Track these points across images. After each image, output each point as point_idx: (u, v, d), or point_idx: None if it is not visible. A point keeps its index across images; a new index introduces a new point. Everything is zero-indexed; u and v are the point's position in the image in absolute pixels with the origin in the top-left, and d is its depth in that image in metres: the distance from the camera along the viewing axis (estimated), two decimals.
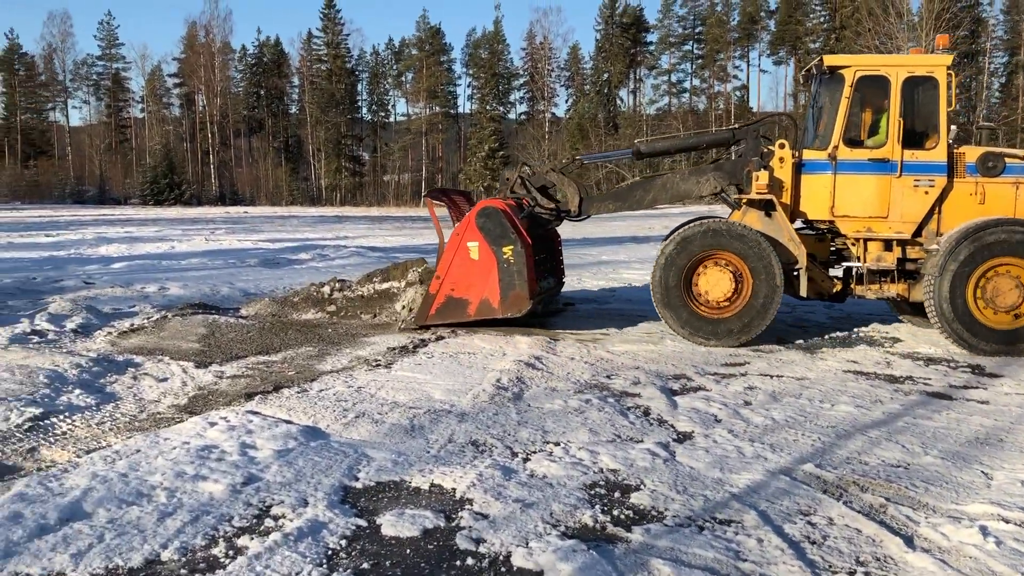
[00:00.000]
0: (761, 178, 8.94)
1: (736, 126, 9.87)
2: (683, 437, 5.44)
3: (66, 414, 5.63)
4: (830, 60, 9.19)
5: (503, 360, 7.66)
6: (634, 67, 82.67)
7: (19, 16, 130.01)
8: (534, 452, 5.09)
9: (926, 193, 8.81)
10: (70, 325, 8.42)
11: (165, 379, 6.79)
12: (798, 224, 9.42)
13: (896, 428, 5.68)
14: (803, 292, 8.94)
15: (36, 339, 7.84)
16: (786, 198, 9.11)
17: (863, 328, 9.80)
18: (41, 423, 5.41)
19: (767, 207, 9.02)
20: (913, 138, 8.92)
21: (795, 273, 8.97)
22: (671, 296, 8.80)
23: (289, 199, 74.43)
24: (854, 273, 9.19)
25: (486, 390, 6.52)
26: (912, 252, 9.07)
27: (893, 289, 9.08)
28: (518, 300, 8.79)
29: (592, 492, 4.44)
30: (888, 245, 9.07)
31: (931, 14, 41.05)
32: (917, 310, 9.36)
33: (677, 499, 4.34)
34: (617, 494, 4.42)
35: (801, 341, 9.00)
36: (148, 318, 9.01)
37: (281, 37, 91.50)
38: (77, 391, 6.19)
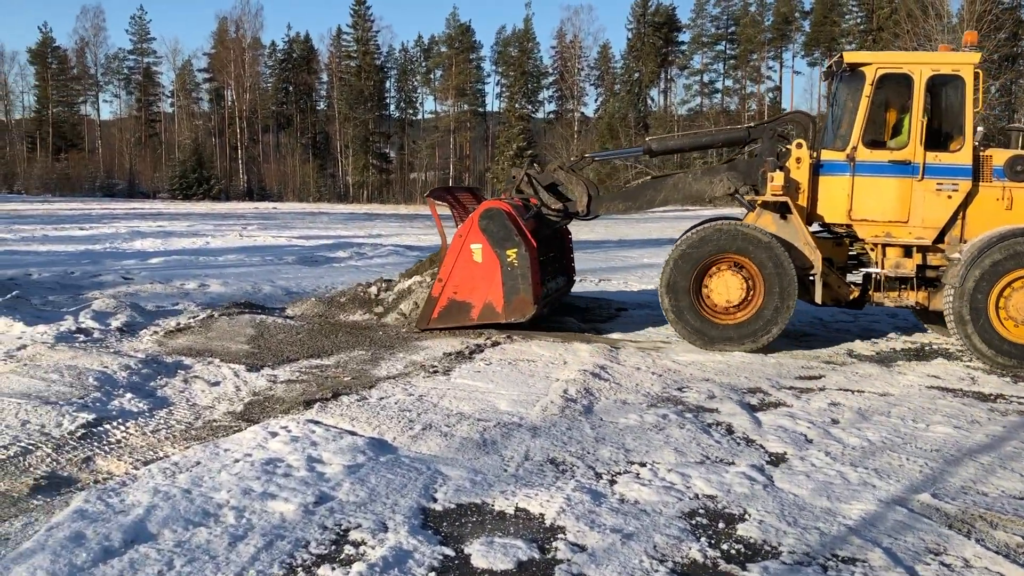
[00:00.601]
0: (776, 179, 8.53)
1: (752, 124, 9.49)
2: (777, 459, 5.06)
3: (119, 420, 5.33)
4: (851, 57, 8.74)
5: (565, 369, 7.31)
6: (666, 67, 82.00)
7: (53, 10, 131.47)
8: (619, 473, 4.73)
9: (949, 197, 8.37)
10: (115, 323, 8.16)
11: (217, 383, 6.49)
12: (815, 228, 9.03)
13: (1006, 454, 5.25)
14: (818, 298, 8.55)
15: (82, 338, 7.58)
16: (802, 200, 8.72)
17: (935, 340, 9.33)
18: (95, 430, 5.12)
19: (782, 209, 8.64)
20: (937, 139, 8.52)
21: (810, 278, 8.57)
22: (680, 299, 8.47)
23: (316, 195, 74.53)
24: (872, 279, 8.78)
25: (554, 402, 6.17)
26: (933, 259, 8.64)
27: (912, 297, 8.67)
28: (522, 305, 8.51)
29: (693, 522, 4.07)
30: (908, 251, 8.65)
31: (972, 16, 40.15)
32: (939, 319, 8.90)
33: (789, 532, 3.96)
34: (721, 524, 4.05)
35: (873, 353, 8.56)
36: (194, 317, 8.74)
37: (311, 33, 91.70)
38: (128, 395, 5.91)
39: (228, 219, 34.64)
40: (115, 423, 5.27)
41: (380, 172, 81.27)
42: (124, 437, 5.06)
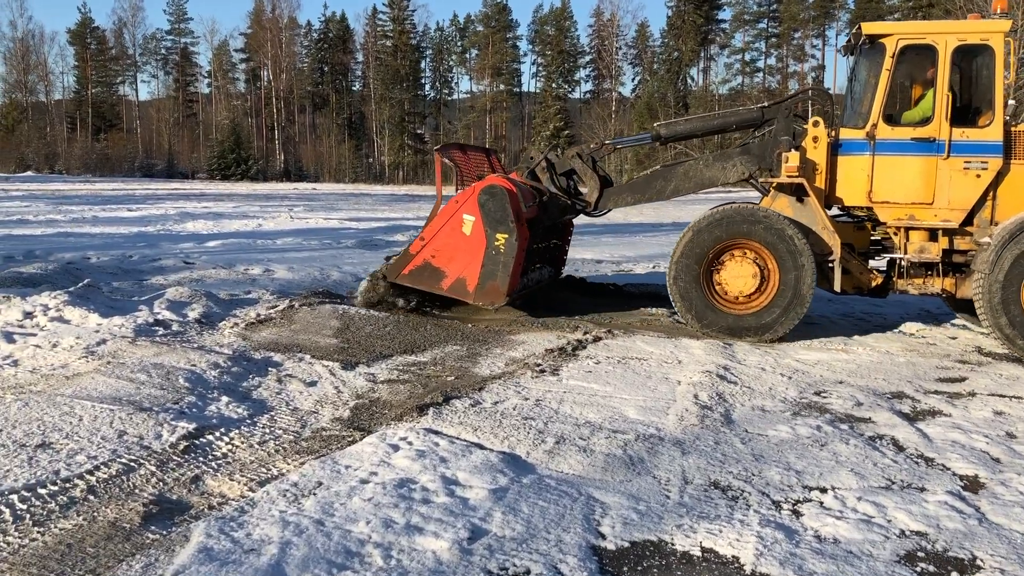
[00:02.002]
0: (792, 160, 7.90)
1: (766, 104, 8.81)
2: (973, 485, 4.39)
3: (221, 430, 4.79)
4: (870, 28, 8.05)
5: (682, 369, 6.67)
6: (706, 45, 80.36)
7: None
8: (800, 502, 4.10)
9: (978, 177, 7.72)
10: (192, 314, 7.65)
11: (314, 383, 5.94)
12: (834, 211, 8.42)
13: None
14: (837, 286, 7.92)
15: (161, 331, 7.07)
16: (820, 182, 8.10)
17: None
18: (197, 442, 4.59)
19: (798, 192, 8.03)
20: (964, 115, 7.88)
21: (829, 265, 7.93)
22: (689, 287, 7.93)
23: (352, 176, 74.27)
24: (896, 265, 8.13)
25: (689, 410, 5.54)
26: (961, 243, 8.00)
27: (938, 284, 8.05)
28: (494, 293, 8.01)
29: (918, 569, 3.43)
30: (933, 235, 8.02)
31: None
32: (969, 307, 8.25)
33: None
34: (955, 574, 3.41)
35: (1004, 351, 7.81)
36: (273, 307, 8.21)
37: (347, 13, 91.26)
38: (224, 398, 5.37)
39: (272, 200, 34.30)
40: (217, 433, 4.73)
41: (416, 153, 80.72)
42: (230, 450, 4.52)
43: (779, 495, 4.17)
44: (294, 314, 7.93)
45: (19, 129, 76.41)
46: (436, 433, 4.86)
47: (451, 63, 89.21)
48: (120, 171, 72.62)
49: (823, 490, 4.24)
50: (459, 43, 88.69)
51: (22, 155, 72.84)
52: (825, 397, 6.04)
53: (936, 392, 6.31)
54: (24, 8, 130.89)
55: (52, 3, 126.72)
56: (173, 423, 4.76)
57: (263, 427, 4.94)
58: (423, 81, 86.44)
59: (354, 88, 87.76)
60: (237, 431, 4.81)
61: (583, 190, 9.21)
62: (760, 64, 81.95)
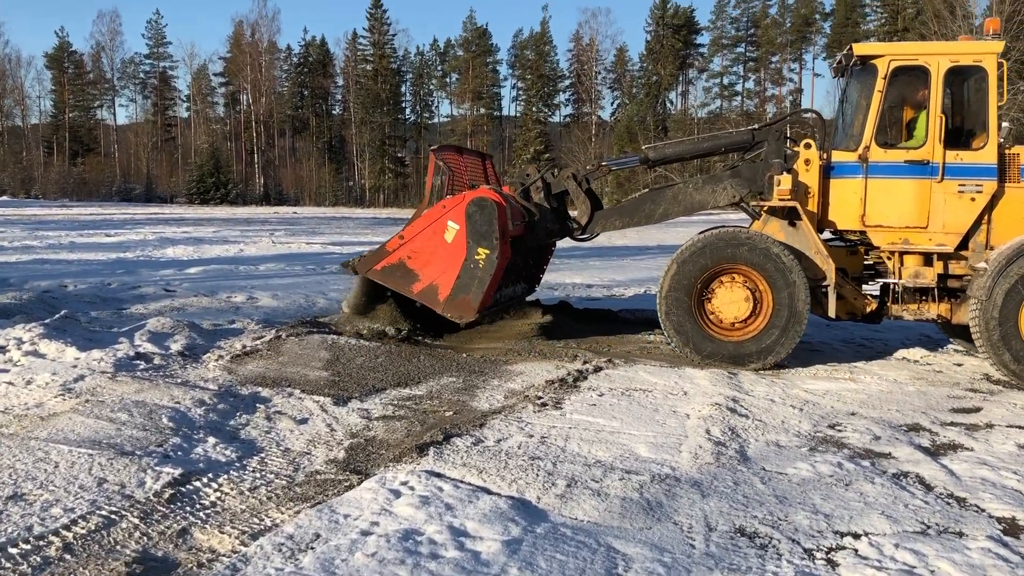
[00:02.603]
0: (784, 182, 7.77)
1: (756, 126, 8.68)
2: (1013, 528, 4.14)
3: (209, 475, 4.46)
4: (861, 49, 7.98)
5: (689, 401, 6.42)
6: (684, 69, 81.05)
7: (70, 15, 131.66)
8: (833, 549, 3.83)
9: (972, 200, 7.63)
10: (175, 347, 7.30)
11: (304, 420, 5.63)
12: (826, 235, 8.31)
13: None
14: (831, 312, 7.78)
15: (143, 365, 6.72)
16: (812, 205, 7.97)
17: None
18: (183, 489, 4.25)
19: (790, 215, 7.90)
20: (957, 137, 7.80)
21: (823, 290, 7.79)
22: (680, 313, 7.74)
23: (333, 200, 73.87)
24: (890, 290, 7.99)
25: (702, 447, 5.27)
26: (956, 267, 7.89)
27: (934, 309, 7.93)
28: (464, 307, 7.81)
29: None
30: (928, 259, 7.91)
31: (1002, 16, 39.17)
32: (965, 332, 8.13)
33: None
34: None
35: (1006, 377, 7.61)
36: (259, 338, 7.87)
37: (327, 37, 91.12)
38: (211, 439, 5.04)
39: (252, 224, 33.88)
40: (205, 479, 4.40)
41: (396, 176, 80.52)
42: (219, 498, 4.19)
43: (810, 542, 3.90)
44: (281, 345, 7.60)
45: None
46: (439, 476, 4.56)
47: (431, 87, 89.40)
48: (98, 196, 71.79)
49: (856, 536, 3.98)
50: (439, 67, 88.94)
51: None
52: (840, 430, 5.80)
53: (953, 424, 6.09)
54: (1, 32, 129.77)
55: (29, 27, 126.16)
56: (157, 468, 4.42)
57: (253, 471, 4.62)
58: (403, 105, 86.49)
59: (334, 112, 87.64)
60: (226, 476, 4.48)
61: (572, 212, 9.00)
62: (738, 88, 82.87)
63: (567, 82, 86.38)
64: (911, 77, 7.83)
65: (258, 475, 4.55)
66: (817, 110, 9.23)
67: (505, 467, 4.76)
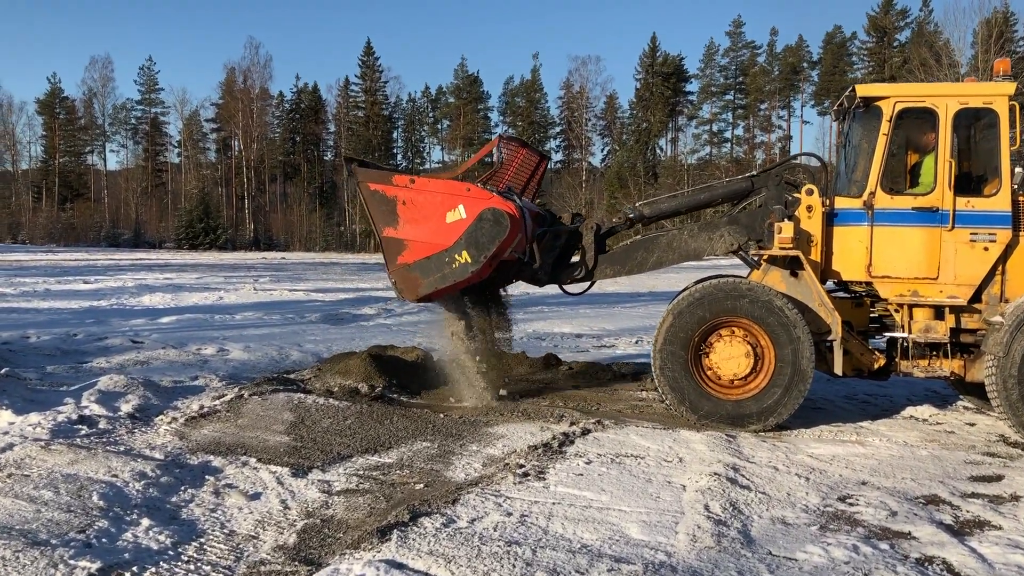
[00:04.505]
0: (785, 230, 7.31)
1: (754, 173, 8.25)
2: None
3: (134, 569, 3.86)
4: (864, 90, 7.57)
5: (685, 470, 5.85)
6: (674, 116, 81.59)
7: (62, 60, 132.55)
8: None
9: (986, 250, 7.21)
10: (126, 408, 6.71)
11: (257, 495, 5.04)
12: (830, 285, 7.82)
13: None
14: (837, 368, 7.26)
15: (85, 430, 6.12)
16: (815, 254, 7.53)
17: None
18: None
19: (792, 265, 7.43)
20: (968, 183, 7.39)
21: (827, 345, 7.30)
22: (676, 369, 7.22)
23: (323, 245, 73.45)
24: (898, 345, 7.48)
25: (701, 526, 4.71)
26: (969, 321, 7.41)
27: (946, 366, 7.43)
28: (411, 287, 7.40)
29: None
30: (939, 312, 7.42)
31: (986, 64, 39.49)
32: (980, 390, 7.62)
33: None
34: None
35: None
36: (220, 398, 7.28)
37: (319, 84, 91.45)
38: (144, 522, 4.44)
39: (238, 270, 33.32)
40: (128, 574, 3.80)
41: None
42: None
43: None
44: (242, 405, 7.01)
45: None
46: (400, 567, 3.97)
47: (423, 133, 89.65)
48: (86, 241, 71.28)
49: None
50: (431, 114, 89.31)
51: None
52: (852, 504, 5.24)
53: (974, 495, 5.54)
54: None
55: (21, 73, 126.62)
56: (72, 562, 3.81)
57: (188, 561, 4.02)
58: (395, 151, 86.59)
59: (326, 158, 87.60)
60: (153, 569, 3.89)
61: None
62: (728, 135, 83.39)
63: (557, 129, 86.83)
64: (918, 120, 7.43)
65: (192, 567, 3.95)
66: (818, 154, 8.80)
67: (477, 555, 4.18)
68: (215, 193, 79.74)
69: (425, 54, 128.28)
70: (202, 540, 4.31)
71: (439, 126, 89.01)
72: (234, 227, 76.66)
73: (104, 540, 4.16)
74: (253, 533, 4.46)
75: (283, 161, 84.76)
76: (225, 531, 4.46)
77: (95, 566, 3.79)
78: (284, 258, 50.45)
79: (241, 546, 4.26)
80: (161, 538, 4.26)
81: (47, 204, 79.30)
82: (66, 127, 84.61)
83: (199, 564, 4.00)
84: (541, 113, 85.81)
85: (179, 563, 3.99)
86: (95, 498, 4.67)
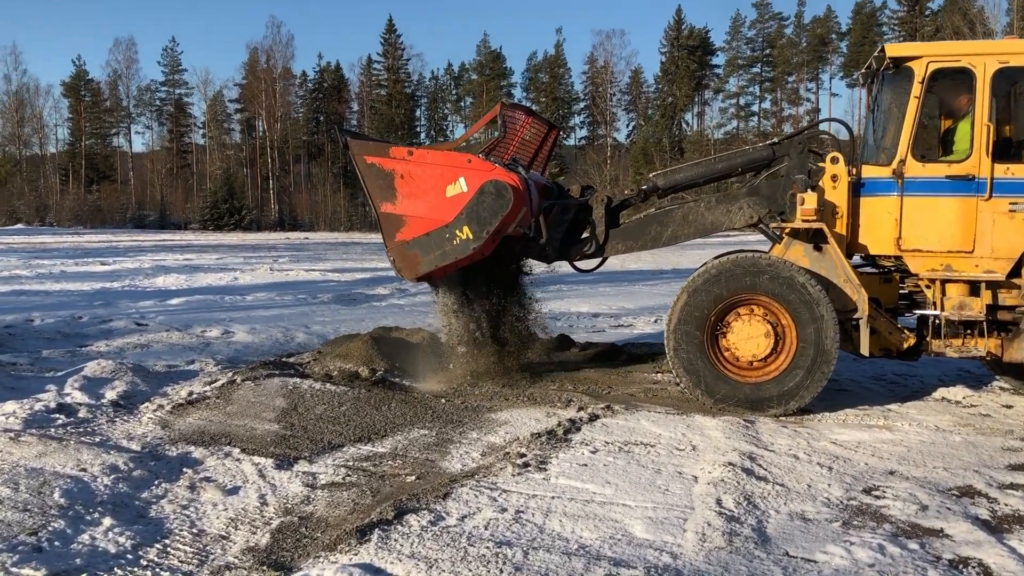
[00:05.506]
0: (808, 201, 6.79)
1: (776, 140, 7.67)
2: None
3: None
4: (894, 50, 6.97)
5: (698, 459, 5.45)
6: (700, 90, 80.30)
7: (86, 42, 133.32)
8: None
9: None
10: (110, 394, 6.42)
11: (235, 490, 4.72)
12: (856, 260, 7.32)
13: None
14: (864, 349, 6.74)
15: (62, 419, 5.82)
16: (840, 227, 7.02)
17: None
18: None
19: (816, 238, 6.92)
20: (1007, 149, 6.82)
21: (853, 324, 6.80)
22: (691, 350, 6.79)
23: (348, 225, 73.37)
24: (930, 324, 6.97)
25: (712, 523, 4.31)
26: (1007, 298, 6.86)
27: (982, 345, 6.89)
28: (411, 265, 6.99)
29: None
30: (975, 288, 6.88)
31: (1022, 32, 38.25)
32: (1019, 371, 7.20)
33: None
34: None
35: None
36: (211, 383, 6.97)
37: (342, 62, 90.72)
38: (106, 521, 4.13)
39: (259, 251, 33.21)
40: None
41: None
42: None
43: None
44: (234, 391, 6.70)
45: (11, 182, 75.85)
46: (376, 573, 3.62)
47: (446, 111, 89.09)
48: (112, 223, 71.77)
49: None
50: (454, 91, 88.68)
51: (13, 208, 72.13)
52: (878, 497, 4.81)
53: (1012, 486, 5.08)
54: (19, 62, 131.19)
55: (47, 57, 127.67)
56: (14, 570, 3.50)
57: (146, 567, 3.69)
58: (418, 129, 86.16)
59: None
60: None
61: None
62: (755, 108, 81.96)
63: (582, 104, 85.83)
64: (952, 81, 6.89)
65: (149, 574, 3.63)
66: (844, 120, 8.25)
67: (463, 558, 3.82)
68: (239, 174, 79.88)
69: (447, 31, 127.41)
70: (167, 542, 3.99)
71: (462, 103, 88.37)
72: (259, 208, 76.79)
73: (57, 543, 3.84)
74: (224, 533, 4.13)
75: (307, 141, 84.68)
76: (194, 531, 4.14)
77: (39, 574, 3.47)
78: (307, 238, 50.35)
79: (208, 548, 3.94)
80: (121, 540, 3.94)
81: (74, 186, 79.93)
82: (92, 109, 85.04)
83: (157, 570, 3.67)
84: (565, 89, 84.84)
85: (135, 569, 3.67)
86: (56, 495, 4.36)
